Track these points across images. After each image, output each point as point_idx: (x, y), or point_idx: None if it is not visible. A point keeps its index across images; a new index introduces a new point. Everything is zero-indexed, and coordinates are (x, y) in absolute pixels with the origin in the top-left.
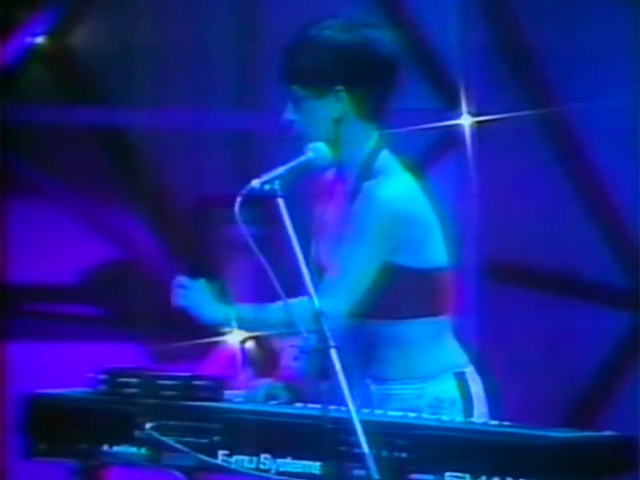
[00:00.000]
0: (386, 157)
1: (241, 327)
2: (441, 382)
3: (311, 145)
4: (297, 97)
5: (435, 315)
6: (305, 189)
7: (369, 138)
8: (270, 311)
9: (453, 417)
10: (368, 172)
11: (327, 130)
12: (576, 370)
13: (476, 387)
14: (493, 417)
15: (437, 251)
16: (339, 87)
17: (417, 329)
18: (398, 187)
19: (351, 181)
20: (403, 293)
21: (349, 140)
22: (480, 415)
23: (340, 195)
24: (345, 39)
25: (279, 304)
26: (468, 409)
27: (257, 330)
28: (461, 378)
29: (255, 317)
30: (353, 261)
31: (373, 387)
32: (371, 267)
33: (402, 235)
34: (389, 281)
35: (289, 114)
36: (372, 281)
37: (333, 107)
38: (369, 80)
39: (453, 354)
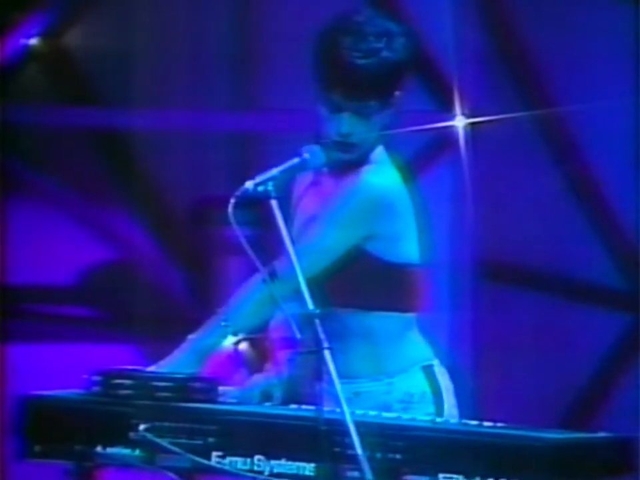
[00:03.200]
0: (380, 152)
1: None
2: (410, 376)
3: (306, 147)
4: (367, 112)
5: (404, 310)
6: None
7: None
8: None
9: (447, 418)
10: (361, 161)
11: (375, 135)
12: (574, 371)
13: (444, 380)
14: (461, 410)
15: (412, 248)
16: (397, 94)
17: (385, 322)
18: (386, 177)
19: (341, 167)
20: (374, 284)
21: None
22: (450, 407)
23: (328, 179)
24: (408, 51)
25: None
26: (438, 401)
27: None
28: (429, 371)
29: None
30: (322, 234)
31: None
32: (337, 245)
33: (379, 223)
34: (362, 269)
35: (348, 127)
36: (334, 261)
37: (387, 114)
38: (404, 86)
39: (420, 348)
